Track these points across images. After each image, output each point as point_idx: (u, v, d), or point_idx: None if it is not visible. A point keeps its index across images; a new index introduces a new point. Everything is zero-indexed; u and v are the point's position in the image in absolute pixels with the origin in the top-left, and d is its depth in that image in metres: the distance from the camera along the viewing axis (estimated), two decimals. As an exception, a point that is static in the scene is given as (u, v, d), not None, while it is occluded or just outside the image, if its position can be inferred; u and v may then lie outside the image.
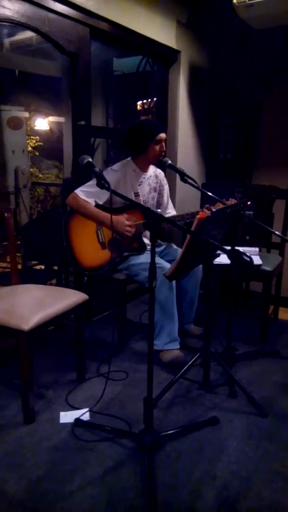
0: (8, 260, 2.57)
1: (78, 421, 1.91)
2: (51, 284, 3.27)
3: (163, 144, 2.50)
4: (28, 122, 6.02)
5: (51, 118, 6.36)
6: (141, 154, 2.53)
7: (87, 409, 2.01)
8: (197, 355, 2.19)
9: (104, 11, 2.59)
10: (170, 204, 2.85)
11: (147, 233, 2.58)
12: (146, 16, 2.91)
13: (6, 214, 2.24)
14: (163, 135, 2.48)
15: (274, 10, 2.64)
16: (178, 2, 3.17)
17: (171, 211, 2.82)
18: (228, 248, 1.67)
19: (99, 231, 2.51)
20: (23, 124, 5.02)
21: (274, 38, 3.29)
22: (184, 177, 2.35)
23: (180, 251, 1.95)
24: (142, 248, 2.55)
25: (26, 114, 5.17)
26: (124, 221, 2.43)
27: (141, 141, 2.47)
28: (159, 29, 3.04)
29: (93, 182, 2.37)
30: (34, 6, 2.27)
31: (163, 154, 2.52)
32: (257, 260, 2.70)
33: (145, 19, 2.90)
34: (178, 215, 2.56)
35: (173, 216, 2.62)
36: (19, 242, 3.35)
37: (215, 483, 1.59)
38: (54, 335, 2.76)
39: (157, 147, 2.48)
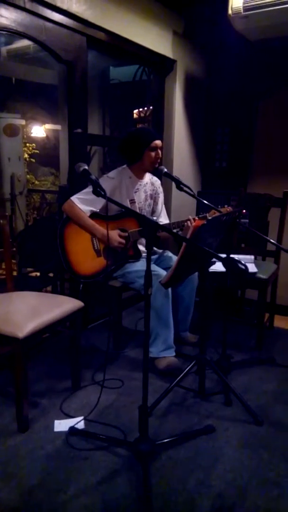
0: (3, 267, 2.56)
1: (72, 429, 1.89)
2: (46, 291, 3.26)
3: (159, 151, 2.52)
4: (25, 130, 6.04)
5: (48, 126, 6.40)
6: (136, 161, 2.54)
7: (81, 418, 2.00)
8: (192, 363, 2.19)
9: (101, 21, 2.61)
10: (164, 213, 2.86)
11: (143, 240, 2.59)
12: (143, 26, 2.94)
13: (1, 221, 2.23)
14: (158, 142, 2.50)
15: (268, 22, 2.68)
16: (174, 12, 3.21)
17: (163, 220, 2.83)
18: (223, 255, 1.67)
19: (94, 239, 2.51)
20: (19, 131, 5.04)
21: (269, 49, 3.33)
22: (180, 185, 2.36)
23: (175, 258, 1.96)
24: (137, 256, 2.55)
25: (23, 122, 5.20)
26: (116, 237, 2.45)
27: (137, 148, 2.48)
28: (155, 39, 3.07)
29: (90, 189, 2.37)
30: (31, 15, 2.29)
31: (158, 161, 2.54)
32: (252, 268, 2.71)
33: (141, 29, 2.93)
34: (173, 223, 2.57)
35: (168, 224, 2.62)
36: (14, 249, 3.35)
37: (210, 492, 1.58)
38: (49, 343, 2.75)
39: (153, 154, 2.49)
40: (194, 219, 2.48)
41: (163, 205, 2.86)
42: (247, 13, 2.63)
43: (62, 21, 2.44)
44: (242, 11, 2.64)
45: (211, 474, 1.67)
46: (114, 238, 2.45)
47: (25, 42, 3.81)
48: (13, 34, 2.26)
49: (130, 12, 2.81)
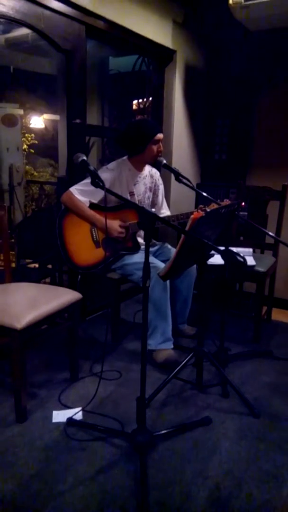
0: (1, 258, 2.56)
1: (70, 420, 1.90)
2: (45, 283, 3.26)
3: (161, 144, 2.50)
4: (24, 120, 5.99)
5: (46, 116, 6.34)
6: (138, 154, 2.52)
7: (80, 409, 2.01)
8: (190, 355, 2.20)
9: (100, 10, 2.58)
10: (165, 204, 2.85)
11: (142, 232, 2.58)
12: (142, 15, 2.91)
13: (0, 212, 2.22)
14: (161, 135, 2.48)
15: (269, 12, 2.64)
16: (174, 2, 3.17)
17: (165, 211, 2.82)
18: (222, 248, 1.67)
19: (93, 230, 2.51)
20: (17, 121, 4.99)
21: (269, 39, 3.30)
22: (179, 177, 2.35)
23: (174, 251, 1.95)
24: (136, 248, 2.55)
25: (21, 112, 5.14)
26: (116, 226, 2.44)
27: (140, 141, 2.46)
28: (155, 29, 3.03)
29: (89, 180, 2.36)
30: (29, 2, 2.26)
31: (160, 154, 2.52)
32: (250, 261, 2.70)
33: (141, 18, 2.90)
34: (173, 215, 2.56)
35: (168, 216, 2.61)
36: (13, 241, 3.34)
37: (207, 483, 1.59)
38: (47, 334, 2.74)
39: (155, 147, 2.47)
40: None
41: (164, 197, 2.85)
42: (247, 2, 2.60)
43: (61, 9, 2.41)
44: (242, 0, 2.60)
45: (208, 465, 1.68)
46: (114, 228, 2.44)
47: (23, 31, 3.76)
48: (11, 21, 2.23)
49: (130, 1, 2.77)
